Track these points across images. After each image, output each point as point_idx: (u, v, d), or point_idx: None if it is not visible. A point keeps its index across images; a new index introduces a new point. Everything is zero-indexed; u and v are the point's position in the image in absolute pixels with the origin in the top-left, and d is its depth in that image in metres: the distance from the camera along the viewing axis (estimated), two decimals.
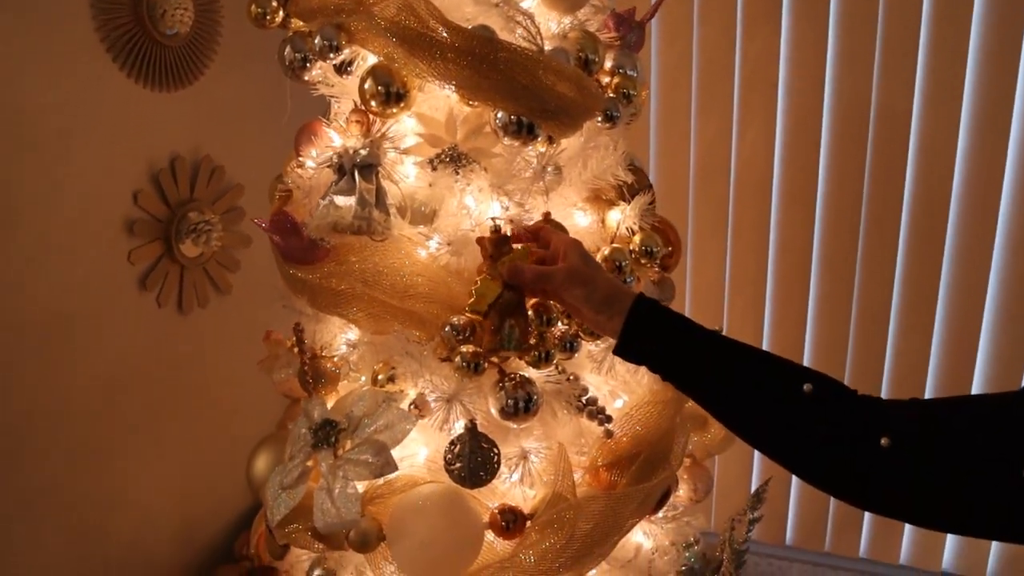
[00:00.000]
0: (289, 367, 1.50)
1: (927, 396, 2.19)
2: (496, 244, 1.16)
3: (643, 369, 1.39)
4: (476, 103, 1.18)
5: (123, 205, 1.78)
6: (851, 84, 2.03)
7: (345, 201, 1.16)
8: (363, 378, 1.41)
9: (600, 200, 1.41)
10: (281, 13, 1.31)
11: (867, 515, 2.31)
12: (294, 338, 1.34)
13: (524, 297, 1.19)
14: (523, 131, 1.16)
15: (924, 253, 2.08)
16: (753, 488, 2.37)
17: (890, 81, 1.99)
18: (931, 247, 2.07)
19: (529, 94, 1.13)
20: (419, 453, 1.33)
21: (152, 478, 1.92)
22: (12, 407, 1.57)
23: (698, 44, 2.12)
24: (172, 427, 1.97)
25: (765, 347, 2.31)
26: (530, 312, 1.22)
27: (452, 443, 1.22)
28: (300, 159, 1.33)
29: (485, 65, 1.11)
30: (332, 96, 1.32)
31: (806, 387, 0.91)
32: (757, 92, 2.11)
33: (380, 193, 1.17)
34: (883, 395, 1.90)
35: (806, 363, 2.23)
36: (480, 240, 1.17)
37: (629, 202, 1.38)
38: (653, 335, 1.03)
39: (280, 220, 1.26)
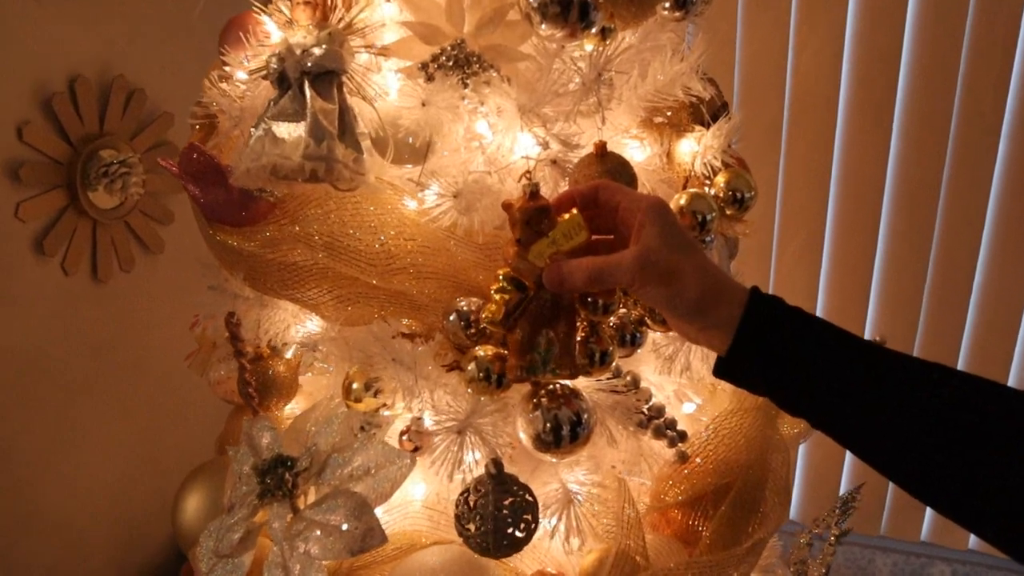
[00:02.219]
0: (227, 362, 1.09)
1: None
2: (530, 217, 0.74)
3: None
4: None
5: (2, 142, 1.33)
6: None
7: (290, 131, 0.73)
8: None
9: (661, 125, 0.98)
10: None
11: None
12: (227, 333, 0.92)
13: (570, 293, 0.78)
14: (572, 14, 0.74)
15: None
16: (842, 481, 2.01)
17: None
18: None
19: None
20: (415, 493, 0.93)
21: (73, 490, 1.53)
22: None
23: None
24: (102, 421, 1.57)
25: (822, 298, 1.92)
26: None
27: (465, 493, 0.82)
28: (227, 69, 0.89)
29: None
30: None
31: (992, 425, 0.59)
32: None
33: (345, 117, 0.75)
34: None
35: (874, 318, 1.91)
36: (506, 206, 0.75)
37: (705, 126, 0.96)
38: (780, 357, 0.66)
39: (196, 162, 0.83)
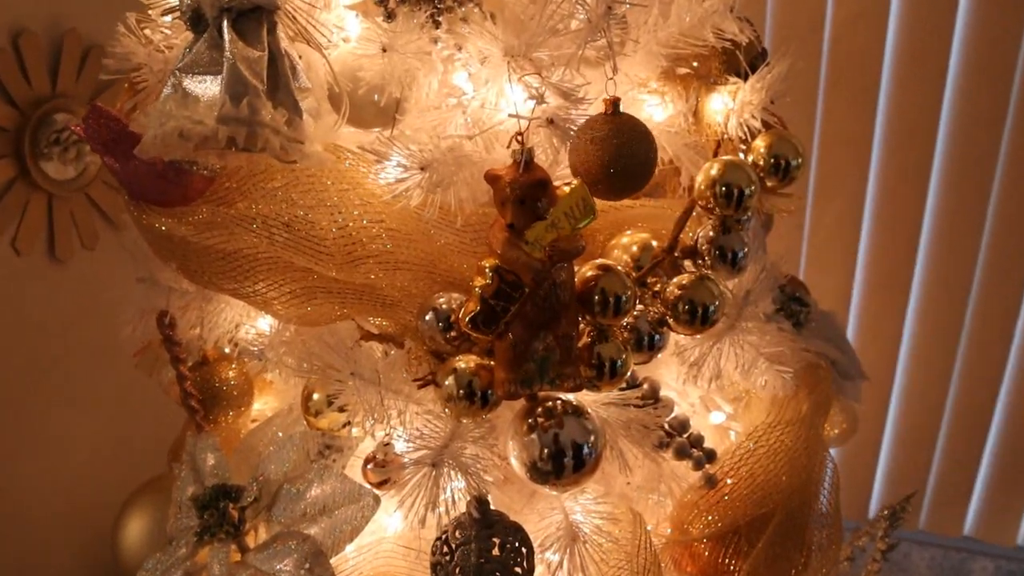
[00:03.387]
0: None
1: None
2: (524, 193, 0.57)
3: (761, 364, 0.82)
4: None
5: None
6: None
7: (205, 87, 0.56)
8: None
9: (687, 77, 0.81)
10: None
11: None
12: (160, 334, 0.76)
13: (572, 288, 0.61)
14: None
15: None
16: (876, 480, 1.86)
17: None
18: None
19: None
20: (388, 527, 0.78)
21: (33, 485, 1.41)
22: None
23: None
24: (67, 419, 1.44)
25: (860, 276, 1.74)
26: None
27: (444, 536, 0.66)
28: (151, 12, 0.72)
29: None
30: None
31: None
32: None
33: (278, 67, 0.58)
34: None
35: (918, 304, 1.72)
36: (491, 179, 0.58)
37: (741, 76, 0.78)
38: None
39: (105, 128, 0.67)
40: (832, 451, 1.86)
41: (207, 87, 0.56)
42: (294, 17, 0.61)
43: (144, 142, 0.59)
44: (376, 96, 0.68)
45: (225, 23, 0.56)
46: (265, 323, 0.80)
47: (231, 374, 0.82)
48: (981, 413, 1.79)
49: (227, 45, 0.55)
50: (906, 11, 1.53)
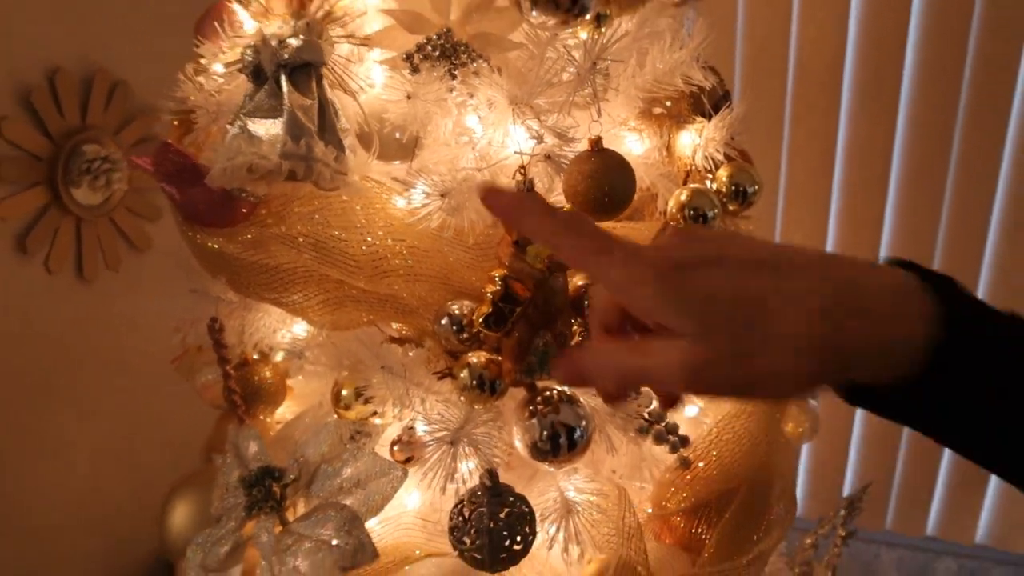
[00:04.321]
0: (216, 367, 1.05)
1: None
2: None
3: None
4: None
5: None
6: None
7: (267, 128, 0.69)
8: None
9: (661, 116, 0.94)
10: None
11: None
12: (210, 339, 0.88)
13: (566, 293, 0.74)
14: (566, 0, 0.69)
15: None
16: (847, 478, 1.98)
17: None
18: None
19: None
20: (408, 503, 0.90)
21: (51, 494, 1.49)
22: None
23: None
24: (87, 425, 1.53)
25: None
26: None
27: (459, 505, 0.78)
28: (203, 61, 0.85)
29: None
30: None
31: None
32: None
33: (326, 112, 0.70)
34: None
35: None
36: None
37: (706, 117, 0.92)
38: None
39: (168, 160, 0.79)
40: (804, 455, 1.99)
41: (268, 128, 0.68)
42: (333, 69, 0.74)
43: (213, 173, 0.71)
44: (398, 134, 0.81)
45: (282, 76, 0.69)
46: (300, 328, 0.92)
47: (268, 374, 0.93)
48: None
49: (285, 95, 0.68)
50: (860, 55, 1.68)
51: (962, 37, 1.61)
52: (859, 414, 1.95)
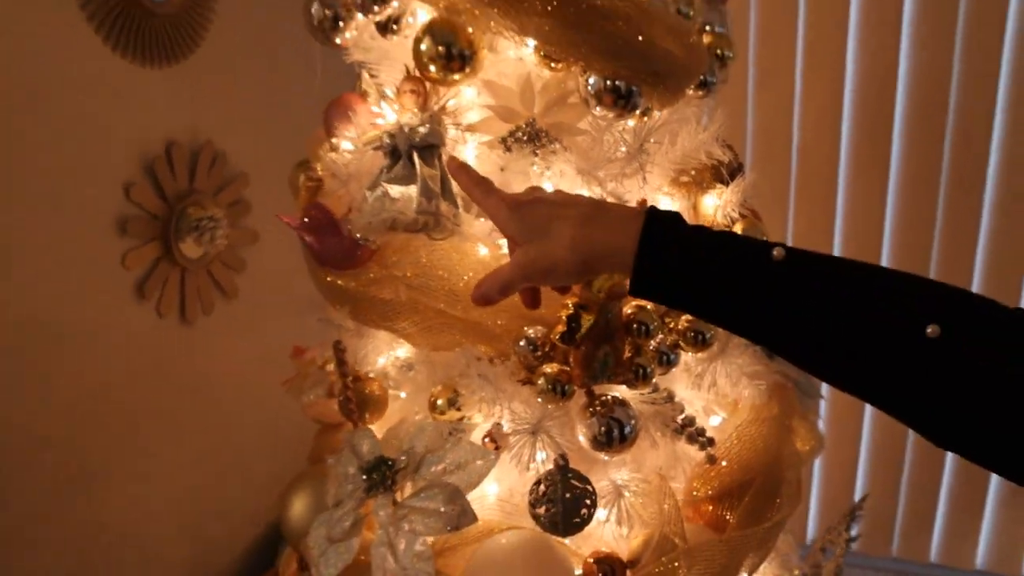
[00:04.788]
0: (319, 387, 1.28)
1: None
2: None
3: (744, 380, 1.18)
4: (560, 65, 0.96)
5: (113, 200, 1.54)
6: (931, 46, 1.81)
7: (403, 191, 0.93)
8: (402, 393, 1.20)
9: (689, 183, 1.18)
10: None
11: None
12: (333, 358, 1.11)
13: (621, 315, 0.97)
14: (622, 99, 0.94)
15: (1014, 235, 1.87)
16: (855, 499, 2.17)
17: (975, 44, 1.77)
18: (1019, 230, 1.86)
19: (632, 52, 0.91)
20: (489, 491, 1.11)
21: (160, 505, 1.70)
22: None
23: (757, 6, 1.89)
24: (180, 449, 1.75)
25: None
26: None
27: (538, 483, 1.00)
28: (334, 141, 1.10)
29: (576, 14, 0.89)
30: (367, 63, 1.10)
31: (930, 330, 0.59)
32: (823, 62, 1.88)
33: (446, 180, 0.95)
34: None
35: None
36: None
37: (724, 184, 1.16)
38: (674, 290, 0.71)
39: (315, 217, 1.03)
40: (815, 482, 2.17)
41: (404, 192, 0.93)
42: (446, 150, 0.99)
43: (360, 225, 0.95)
44: None
45: (414, 154, 0.93)
46: (403, 350, 1.15)
47: (375, 388, 1.16)
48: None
49: (418, 168, 0.92)
50: (854, 134, 1.94)
51: (940, 121, 1.86)
52: (865, 443, 2.15)
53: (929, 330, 0.59)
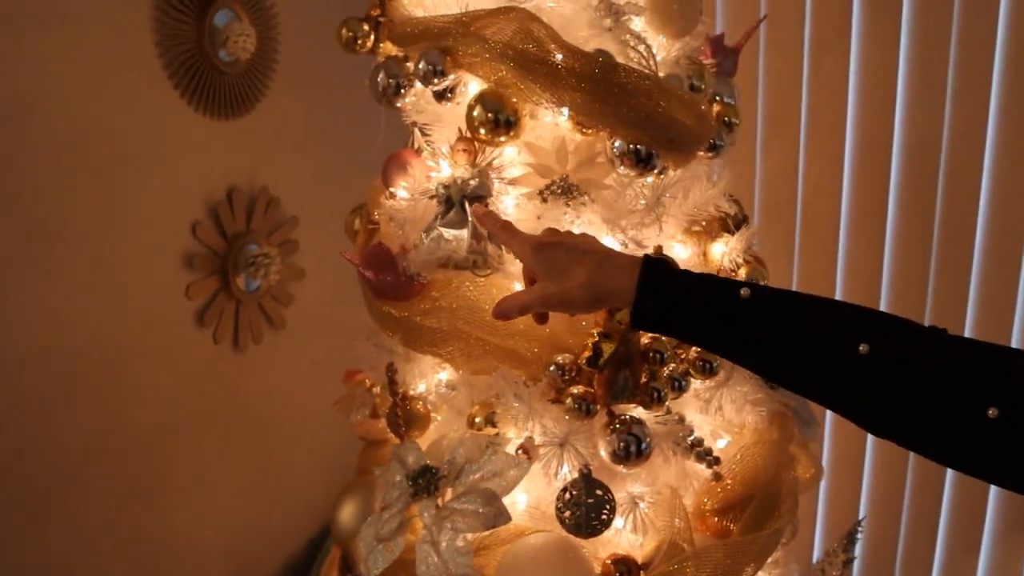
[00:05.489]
0: (366, 406, 1.43)
1: None
2: None
3: (748, 407, 1.33)
4: (590, 131, 1.12)
5: (182, 237, 1.71)
6: (923, 115, 1.98)
7: (455, 234, 1.10)
8: (439, 417, 1.35)
9: (699, 232, 1.34)
10: (372, 38, 1.26)
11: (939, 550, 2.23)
12: (386, 379, 1.27)
13: (639, 344, 1.13)
14: (642, 161, 1.11)
15: (1001, 294, 2.02)
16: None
17: (963, 113, 1.94)
18: (1008, 288, 2.01)
19: (651, 122, 1.08)
20: (519, 500, 1.26)
21: (207, 519, 1.85)
22: (64, 444, 1.51)
23: (764, 72, 2.07)
24: (227, 466, 1.89)
25: None
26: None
27: (564, 490, 1.15)
28: (392, 190, 1.26)
29: (605, 90, 1.06)
30: (421, 124, 1.27)
31: (862, 348, 0.76)
32: (824, 123, 2.06)
33: None
34: None
35: None
36: None
37: (731, 233, 1.32)
38: (665, 323, 0.90)
39: (376, 254, 1.20)
40: (821, 504, 2.26)
41: (456, 235, 1.09)
42: (492, 200, 1.15)
43: (416, 263, 1.12)
44: None
45: (465, 203, 1.10)
46: (445, 373, 1.30)
47: (420, 406, 1.31)
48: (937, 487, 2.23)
49: (468, 215, 1.09)
50: (855, 180, 2.10)
51: (932, 177, 2.02)
52: (868, 468, 2.26)
53: (861, 348, 0.76)
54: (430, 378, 1.31)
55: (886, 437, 0.79)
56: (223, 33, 1.69)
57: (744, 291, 0.83)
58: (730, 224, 1.32)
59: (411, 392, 1.31)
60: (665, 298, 0.87)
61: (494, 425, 1.22)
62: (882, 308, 2.16)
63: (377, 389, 1.42)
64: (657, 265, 0.90)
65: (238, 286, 1.83)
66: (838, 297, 2.19)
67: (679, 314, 0.87)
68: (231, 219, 1.80)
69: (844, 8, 1.98)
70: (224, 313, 1.82)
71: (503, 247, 1.15)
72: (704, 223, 1.33)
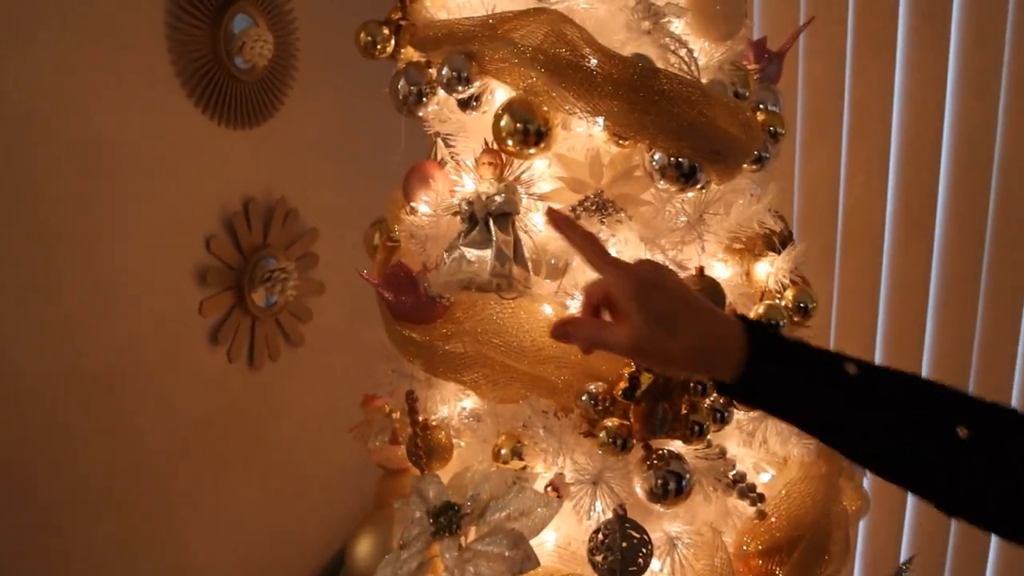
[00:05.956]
0: (384, 433, 1.35)
1: None
2: None
3: (794, 439, 1.23)
4: (627, 142, 1.04)
5: (195, 251, 1.65)
6: (974, 119, 1.87)
7: (478, 254, 1.01)
8: (461, 443, 1.26)
9: (742, 250, 1.25)
10: (393, 42, 1.18)
11: None
12: (406, 407, 1.19)
13: (679, 377, 1.04)
14: (684, 175, 1.02)
15: None
16: (903, 556, 2.18)
17: (1018, 117, 1.83)
18: None
19: (695, 132, 0.99)
20: (547, 539, 1.17)
21: (222, 541, 1.78)
22: (77, 463, 1.46)
23: (804, 79, 1.97)
24: (242, 487, 1.83)
25: None
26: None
27: (597, 531, 1.06)
28: (413, 204, 1.18)
29: (645, 98, 0.97)
30: (444, 134, 1.19)
31: (960, 432, 0.74)
32: (868, 129, 1.95)
33: (518, 245, 1.03)
34: None
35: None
36: None
37: (775, 251, 1.23)
38: (780, 387, 0.82)
39: (395, 275, 1.12)
40: (861, 538, 2.17)
41: (480, 256, 1.01)
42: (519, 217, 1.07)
43: (438, 284, 1.03)
44: (553, 260, 1.13)
45: (490, 220, 1.02)
46: (469, 401, 1.22)
47: (442, 436, 1.23)
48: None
49: (493, 234, 1.00)
50: (901, 190, 2.00)
51: (984, 184, 1.92)
52: (911, 501, 2.15)
53: (960, 431, 0.73)
54: (453, 405, 1.23)
55: (983, 524, 0.77)
56: (239, 39, 1.62)
57: (850, 368, 0.79)
58: (775, 242, 1.22)
59: (432, 421, 1.23)
60: (773, 377, 0.80)
61: (521, 458, 1.14)
62: (929, 328, 2.05)
63: (397, 414, 1.34)
64: (764, 336, 0.82)
65: (254, 302, 1.76)
66: (881, 319, 2.09)
67: (783, 392, 0.81)
68: (247, 232, 1.74)
69: (890, 7, 1.88)
70: (239, 330, 1.75)
71: (539, 270, 1.07)
72: (746, 239, 1.24)
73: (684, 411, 1.08)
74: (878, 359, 2.13)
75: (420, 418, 1.20)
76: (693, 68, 1.03)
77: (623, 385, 1.03)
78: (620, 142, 1.04)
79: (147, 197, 1.53)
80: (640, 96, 0.97)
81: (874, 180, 1.99)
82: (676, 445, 1.10)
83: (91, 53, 1.40)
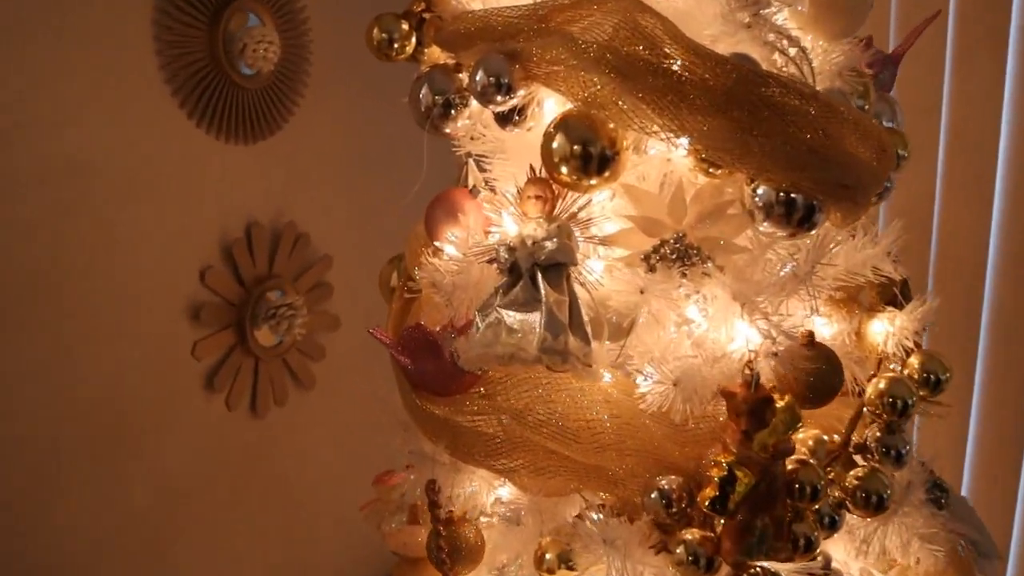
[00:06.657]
0: (401, 513, 1.12)
1: None
2: (755, 407, 0.75)
3: (915, 542, 0.97)
4: (720, 171, 0.79)
5: (188, 285, 1.44)
6: None
7: (522, 320, 0.77)
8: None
9: (849, 303, 0.99)
10: (413, 40, 0.94)
11: None
12: (426, 499, 0.95)
13: (785, 478, 0.79)
14: (798, 214, 0.77)
15: None
16: None
17: None
18: None
19: (816, 158, 0.74)
20: None
21: None
22: (58, 522, 1.30)
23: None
24: (244, 553, 1.60)
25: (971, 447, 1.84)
26: None
27: None
28: (437, 244, 0.94)
29: (750, 113, 0.72)
30: (481, 157, 0.95)
31: None
32: (970, 143, 1.68)
33: (576, 308, 0.78)
34: None
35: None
36: (727, 395, 0.77)
37: (896, 306, 0.97)
38: None
39: (413, 338, 0.88)
40: None
41: (524, 321, 0.76)
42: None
43: (469, 357, 0.79)
44: (615, 318, 0.88)
45: (538, 274, 0.77)
46: (505, 491, 0.97)
47: (470, 533, 0.99)
48: None
49: (543, 292, 0.76)
50: (1007, 218, 1.71)
51: None
52: None
53: None
54: (485, 495, 0.98)
55: None
56: (241, 40, 1.40)
57: None
58: (896, 294, 0.96)
59: (460, 514, 0.98)
60: None
61: (571, 568, 0.89)
62: None
63: (417, 491, 1.09)
64: None
65: (257, 340, 1.54)
66: (980, 364, 1.79)
67: None
68: (249, 261, 1.52)
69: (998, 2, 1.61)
70: (240, 373, 1.53)
71: (600, 334, 0.83)
72: (850, 291, 0.99)
73: (787, 519, 0.82)
74: (975, 403, 1.85)
75: (443, 512, 0.95)
76: (808, 73, 0.78)
77: (711, 493, 0.78)
78: (710, 171, 0.79)
79: (130, 226, 1.32)
80: (743, 110, 0.72)
81: (973, 207, 1.71)
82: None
83: (61, 55, 1.18)
